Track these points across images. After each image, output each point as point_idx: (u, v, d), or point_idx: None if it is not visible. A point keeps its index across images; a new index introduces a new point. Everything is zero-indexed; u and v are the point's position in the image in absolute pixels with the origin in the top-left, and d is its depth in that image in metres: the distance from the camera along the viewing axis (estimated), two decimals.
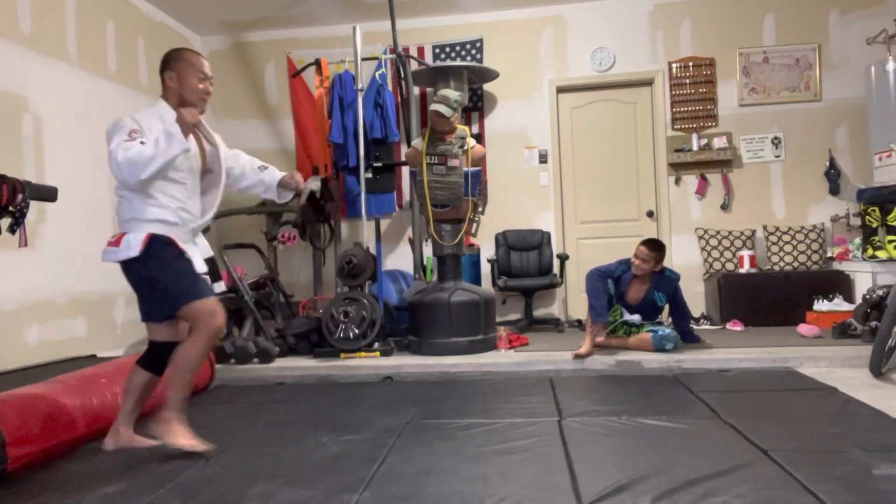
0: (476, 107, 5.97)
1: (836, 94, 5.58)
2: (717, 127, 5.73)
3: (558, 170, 5.92)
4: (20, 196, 2.57)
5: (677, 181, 5.77)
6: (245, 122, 6.29)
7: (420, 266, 5.39)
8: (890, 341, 3.37)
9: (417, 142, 4.50)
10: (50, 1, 4.42)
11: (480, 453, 2.34)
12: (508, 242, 5.69)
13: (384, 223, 5.90)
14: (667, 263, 4.35)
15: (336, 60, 5.72)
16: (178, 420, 2.42)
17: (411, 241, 5.49)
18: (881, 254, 4.75)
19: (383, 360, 4.18)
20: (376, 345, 4.30)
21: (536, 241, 5.70)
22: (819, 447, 2.25)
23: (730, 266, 5.52)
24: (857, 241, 5.11)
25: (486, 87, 5.93)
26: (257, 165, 2.77)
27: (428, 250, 5.33)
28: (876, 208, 4.88)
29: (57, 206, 3.64)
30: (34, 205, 3.02)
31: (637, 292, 4.24)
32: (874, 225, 4.91)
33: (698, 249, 5.68)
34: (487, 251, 5.72)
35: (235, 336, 4.67)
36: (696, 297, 5.46)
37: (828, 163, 5.55)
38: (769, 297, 5.11)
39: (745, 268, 5.39)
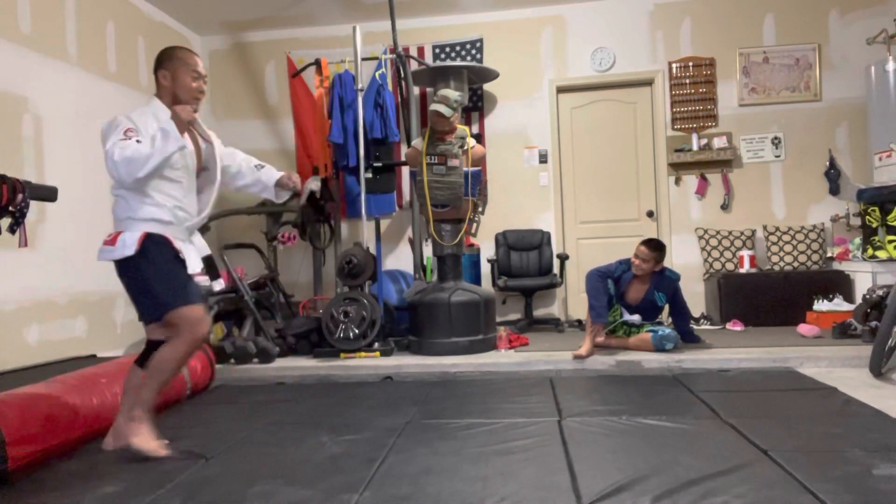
0: (476, 107, 5.97)
1: (836, 94, 5.58)
2: (717, 127, 5.73)
3: (558, 170, 5.92)
4: (20, 196, 2.57)
5: (677, 181, 5.77)
6: (245, 122, 6.29)
7: (420, 266, 5.39)
8: (890, 341, 3.37)
9: (417, 142, 4.50)
10: (50, 1, 4.42)
11: (480, 453, 2.34)
12: (508, 242, 5.69)
13: (384, 223, 5.90)
14: (667, 263, 4.35)
15: (336, 60, 5.72)
16: (144, 421, 2.41)
17: (411, 241, 5.49)
18: (881, 254, 4.75)
19: (383, 360, 4.18)
20: (376, 345, 4.30)
21: (536, 241, 5.70)
22: (819, 447, 2.25)
23: (730, 266, 5.51)
24: (857, 241, 5.11)
25: (486, 87, 5.93)
26: (254, 164, 2.77)
27: (428, 250, 5.33)
28: (876, 208, 4.88)
29: (57, 206, 3.64)
30: (34, 205, 3.02)
31: (637, 292, 4.24)
32: (874, 225, 4.91)
33: (698, 249, 5.68)
34: (487, 251, 5.72)
35: (235, 336, 4.67)
36: (696, 297, 5.46)
37: (828, 163, 5.55)
38: (769, 297, 5.11)
39: (745, 268, 5.39)
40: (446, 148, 4.35)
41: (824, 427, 2.48)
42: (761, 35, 5.68)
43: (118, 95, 5.03)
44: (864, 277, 4.82)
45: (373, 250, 4.67)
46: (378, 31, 5.87)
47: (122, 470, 2.29)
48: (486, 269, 5.59)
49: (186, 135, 2.44)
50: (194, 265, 2.50)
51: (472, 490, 1.99)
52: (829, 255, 5.40)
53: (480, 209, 4.56)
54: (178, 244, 2.44)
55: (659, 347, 4.03)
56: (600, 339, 4.19)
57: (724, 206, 5.70)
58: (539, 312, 5.77)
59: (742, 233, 5.56)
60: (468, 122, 5.93)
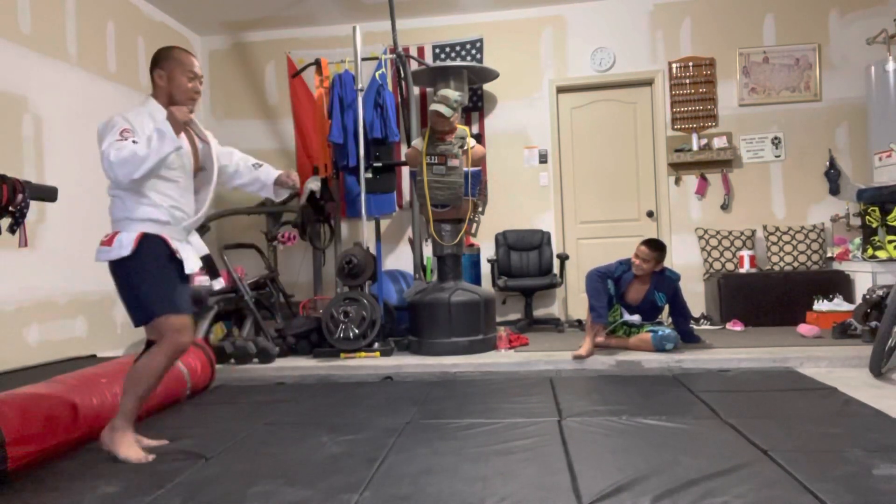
0: (476, 107, 5.97)
1: (836, 94, 5.58)
2: (717, 127, 5.73)
3: (558, 170, 5.92)
4: (20, 196, 2.57)
5: (677, 181, 5.77)
6: (245, 122, 6.29)
7: (420, 266, 5.39)
8: (890, 341, 3.37)
9: (417, 142, 4.50)
10: (50, 1, 4.43)
11: (480, 453, 2.34)
12: (508, 242, 5.69)
13: (384, 223, 5.90)
14: (667, 263, 4.35)
15: (336, 60, 5.72)
16: (126, 431, 2.40)
17: (411, 241, 5.49)
18: (881, 254, 4.75)
19: (383, 360, 4.18)
20: (376, 345, 4.30)
21: (536, 241, 5.70)
22: (819, 447, 2.25)
23: (730, 266, 5.52)
24: (857, 241, 5.11)
25: (486, 87, 5.93)
26: (251, 163, 2.76)
27: (428, 250, 5.33)
28: (876, 208, 4.88)
29: (57, 206, 3.64)
30: (34, 205, 3.02)
31: (637, 292, 4.24)
32: (874, 225, 4.91)
33: (698, 249, 5.68)
34: (487, 251, 5.72)
35: (235, 336, 4.67)
36: (696, 297, 5.46)
37: (828, 163, 5.55)
38: (769, 297, 5.11)
39: (745, 268, 5.39)
40: (446, 148, 4.35)
41: (824, 427, 2.48)
42: (761, 35, 5.69)
43: (118, 95, 5.03)
44: (864, 277, 4.82)
45: (373, 250, 4.67)
46: (378, 31, 5.87)
47: (122, 470, 2.29)
48: (486, 269, 5.59)
49: (183, 135, 2.43)
50: (192, 265, 2.50)
51: (472, 490, 1.99)
52: (829, 255, 5.40)
53: (480, 209, 4.56)
54: (174, 244, 2.43)
55: (659, 347, 4.03)
56: (600, 340, 4.19)
57: (724, 206, 5.70)
58: (539, 312, 5.77)
59: (742, 233, 5.56)
60: (468, 122, 5.93)
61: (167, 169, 2.40)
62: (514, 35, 5.94)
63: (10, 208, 2.55)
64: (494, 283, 5.39)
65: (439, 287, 4.45)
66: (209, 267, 2.62)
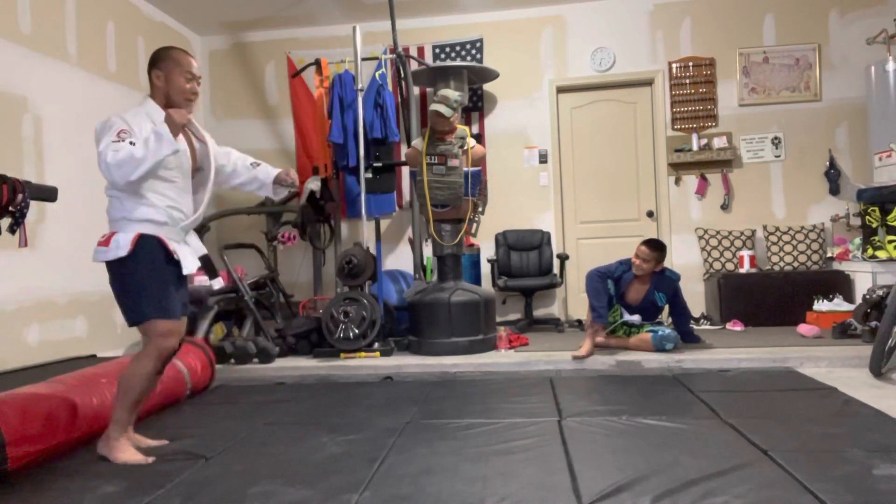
0: (476, 107, 5.97)
1: (836, 94, 5.58)
2: (717, 127, 5.73)
3: (558, 170, 5.92)
4: (20, 196, 2.57)
5: (677, 181, 5.77)
6: (245, 122, 6.29)
7: (420, 266, 5.39)
8: (890, 341, 3.37)
9: (417, 142, 4.50)
10: (50, 1, 4.43)
11: (480, 453, 2.34)
12: (508, 242, 5.69)
13: (384, 223, 5.90)
14: (667, 263, 4.35)
15: (336, 60, 5.72)
16: (119, 439, 2.39)
17: (411, 241, 5.49)
18: (881, 254, 4.75)
19: (383, 360, 4.18)
20: (376, 345, 4.30)
21: (536, 241, 5.70)
22: (819, 447, 2.25)
23: (730, 266, 5.52)
24: (857, 241, 5.11)
25: (486, 87, 5.93)
26: (249, 162, 2.75)
27: (428, 250, 5.33)
28: (876, 208, 4.88)
29: (57, 206, 3.64)
30: (34, 205, 3.02)
31: (637, 292, 4.24)
32: (874, 225, 4.91)
33: (698, 249, 5.68)
34: (487, 251, 5.72)
35: (235, 336, 4.67)
36: (696, 297, 5.46)
37: (828, 163, 5.56)
38: (769, 297, 5.11)
39: (745, 268, 5.39)
40: (446, 148, 4.35)
41: (824, 427, 2.48)
42: (761, 35, 5.69)
43: (118, 95, 5.03)
44: (864, 277, 4.82)
45: (373, 250, 4.67)
46: (378, 31, 5.87)
47: (122, 470, 2.29)
48: (486, 269, 5.59)
49: (181, 136, 2.42)
50: (190, 265, 2.49)
51: (472, 490, 1.99)
52: (829, 255, 5.40)
53: (480, 209, 4.56)
54: (172, 245, 2.42)
55: (659, 347, 4.03)
56: (600, 340, 4.19)
57: (724, 206, 5.70)
58: (539, 312, 5.77)
59: (742, 233, 5.56)
60: (468, 122, 5.93)
61: (165, 169, 2.39)
62: (514, 35, 5.94)
63: (10, 208, 2.55)
64: (494, 283, 5.39)
65: (439, 287, 4.45)
66: (207, 267, 2.61)
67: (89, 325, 4.63)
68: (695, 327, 4.55)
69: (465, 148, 4.40)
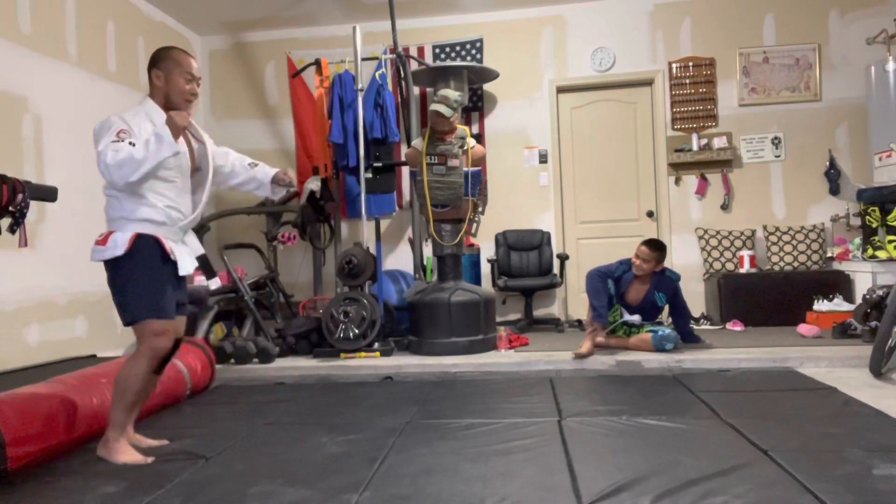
0: (476, 107, 5.97)
1: (836, 94, 5.58)
2: (717, 127, 5.73)
3: (558, 170, 5.92)
4: (20, 196, 2.57)
5: (677, 181, 5.77)
6: (245, 122, 6.29)
7: (420, 266, 5.39)
8: (890, 341, 3.37)
9: (417, 142, 4.50)
10: (50, 1, 4.43)
11: (480, 453, 2.34)
12: (508, 242, 5.69)
13: (384, 223, 5.90)
14: (667, 263, 4.35)
15: (336, 60, 5.72)
16: (118, 440, 2.39)
17: (411, 241, 5.49)
18: (881, 254, 4.75)
19: (383, 360, 4.18)
20: (376, 345, 4.30)
21: (536, 241, 5.70)
22: (819, 447, 2.25)
23: (730, 266, 5.52)
24: (857, 241, 5.11)
25: (486, 87, 5.93)
26: (247, 162, 2.75)
27: (428, 250, 5.33)
28: (876, 208, 4.88)
29: (57, 206, 3.64)
30: (34, 205, 3.02)
31: (637, 292, 4.24)
32: (874, 225, 4.91)
33: (698, 249, 5.68)
34: (487, 251, 5.72)
35: (235, 336, 4.67)
36: (696, 297, 5.46)
37: (828, 163, 5.56)
38: (769, 297, 5.11)
39: (745, 268, 5.39)
40: (446, 148, 4.35)
41: (824, 427, 2.48)
42: (761, 35, 5.69)
43: (118, 95, 5.03)
44: (864, 277, 4.82)
45: (373, 250, 4.67)
46: (378, 31, 5.87)
47: (122, 470, 2.29)
48: (486, 269, 5.59)
49: (180, 137, 2.43)
50: (188, 265, 2.49)
51: (472, 490, 1.99)
52: (829, 255, 5.40)
53: (480, 209, 4.56)
54: (169, 245, 2.42)
55: (659, 347, 4.03)
56: (600, 339, 4.19)
57: (724, 206, 5.70)
58: (539, 312, 5.77)
59: (742, 233, 5.56)
60: (468, 122, 5.93)
61: (164, 169, 2.39)
62: (514, 35, 5.94)
63: (10, 208, 2.55)
64: (494, 283, 5.39)
65: (439, 287, 4.45)
66: (205, 267, 2.61)
67: (89, 325, 4.63)
68: (695, 327, 4.55)
69: (465, 148, 4.40)
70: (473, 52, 5.92)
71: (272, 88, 6.28)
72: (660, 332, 4.07)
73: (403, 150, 5.73)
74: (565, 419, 2.74)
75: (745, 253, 5.41)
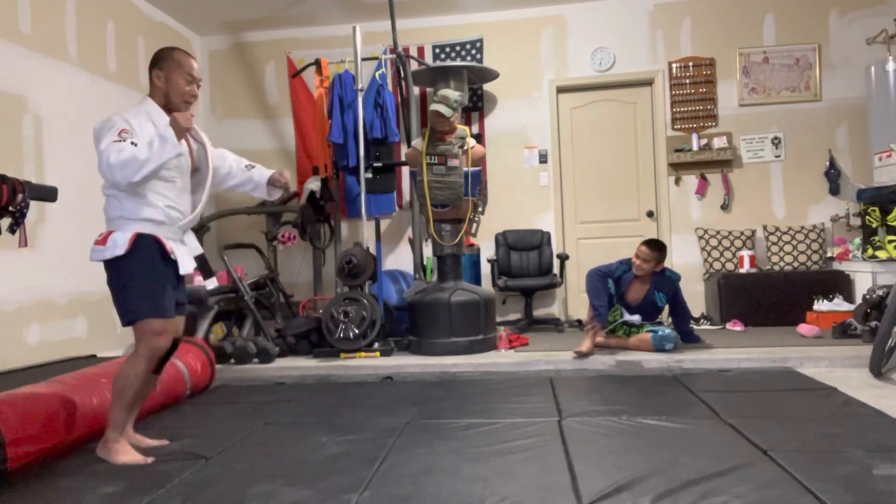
0: (476, 107, 5.97)
1: (836, 94, 5.58)
2: (717, 127, 5.73)
3: (558, 170, 5.92)
4: (20, 196, 2.57)
5: (677, 181, 5.77)
6: (245, 122, 6.29)
7: (420, 266, 5.39)
8: (890, 341, 3.37)
9: (417, 142, 4.50)
10: (50, 1, 4.43)
11: (480, 453, 2.34)
12: (508, 242, 5.69)
13: (384, 223, 5.90)
14: (667, 263, 4.35)
15: (336, 60, 5.72)
16: (118, 440, 2.39)
17: (411, 241, 5.49)
18: (881, 254, 4.75)
19: (383, 360, 4.18)
20: (376, 345, 4.30)
21: (536, 241, 5.70)
22: (819, 447, 2.25)
23: (730, 266, 5.52)
24: (857, 241, 5.11)
25: (486, 87, 5.93)
26: (244, 164, 2.75)
27: (428, 250, 5.33)
28: (876, 208, 4.88)
29: (57, 206, 3.64)
30: (34, 205, 3.02)
31: (637, 292, 4.24)
32: (874, 225, 4.91)
33: (698, 249, 5.68)
34: (487, 251, 5.72)
35: (235, 336, 4.67)
36: (696, 297, 5.46)
37: (828, 163, 5.56)
38: (769, 297, 5.11)
39: (745, 268, 5.39)
40: (446, 148, 4.35)
41: (824, 427, 2.48)
42: (761, 35, 5.69)
43: (118, 95, 5.03)
44: (864, 277, 4.82)
45: (373, 250, 4.67)
46: (378, 31, 5.87)
47: (122, 470, 2.29)
48: (486, 269, 5.59)
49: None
50: (187, 265, 2.49)
51: (472, 490, 1.99)
52: (829, 255, 5.40)
53: (480, 209, 4.56)
54: (169, 245, 2.42)
55: (659, 347, 4.03)
56: (600, 339, 4.19)
57: (724, 206, 5.70)
58: (539, 312, 5.77)
59: (742, 233, 5.56)
60: (468, 122, 5.93)
61: (165, 169, 2.39)
62: (514, 35, 5.94)
63: (10, 208, 2.55)
64: (494, 283, 5.39)
65: (439, 287, 4.45)
66: (203, 267, 2.61)
67: (89, 325, 4.63)
68: (695, 327, 4.56)
69: (465, 148, 4.40)
70: (473, 52, 5.92)
71: (272, 88, 6.28)
72: (660, 332, 4.07)
73: (403, 150, 5.73)
74: (565, 419, 2.74)
75: (745, 253, 5.41)
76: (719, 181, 5.71)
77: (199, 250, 2.61)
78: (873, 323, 4.05)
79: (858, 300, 4.57)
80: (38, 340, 4.17)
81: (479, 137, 5.92)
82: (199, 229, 5.16)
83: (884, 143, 5.05)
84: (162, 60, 2.47)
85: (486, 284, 5.49)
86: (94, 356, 4.38)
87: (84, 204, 4.44)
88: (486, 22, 5.96)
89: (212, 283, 2.73)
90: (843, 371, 3.63)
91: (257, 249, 5.31)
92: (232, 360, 4.25)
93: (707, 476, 2.00)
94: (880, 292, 4.13)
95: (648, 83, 5.85)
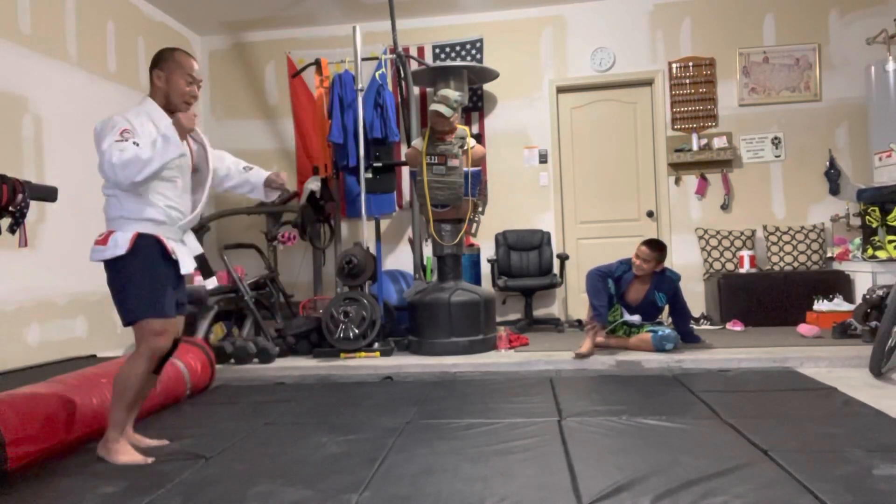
0: (476, 107, 5.97)
1: (836, 94, 5.58)
2: (717, 127, 5.73)
3: (558, 170, 5.92)
4: (20, 196, 2.57)
5: (677, 181, 5.77)
6: (245, 122, 6.28)
7: (420, 266, 5.39)
8: (890, 341, 3.37)
9: (417, 142, 4.50)
10: (50, 1, 4.43)
11: (480, 453, 2.34)
12: (508, 242, 5.69)
13: (384, 223, 5.90)
14: (667, 263, 4.35)
15: (336, 60, 5.72)
16: (118, 440, 2.39)
17: (411, 241, 5.49)
18: (881, 254, 4.75)
19: (383, 360, 4.18)
20: (376, 345, 4.30)
21: (536, 241, 5.70)
22: (819, 447, 2.25)
23: (730, 266, 5.52)
24: (857, 241, 5.11)
25: (486, 87, 5.93)
26: (242, 166, 2.76)
27: (428, 250, 5.33)
28: (876, 208, 4.88)
29: (57, 206, 3.64)
30: (34, 205, 3.02)
31: (637, 292, 4.24)
32: (874, 225, 4.91)
33: (698, 249, 5.68)
34: (487, 251, 5.72)
35: (235, 336, 4.67)
36: (696, 297, 5.46)
37: (828, 163, 5.56)
38: (769, 297, 5.11)
39: (745, 268, 5.39)
40: (446, 148, 4.35)
41: (824, 427, 2.48)
42: (761, 35, 5.69)
43: (118, 95, 5.03)
44: (864, 277, 4.82)
45: (373, 250, 4.67)
46: (378, 31, 5.87)
47: (122, 470, 2.29)
48: (486, 269, 5.59)
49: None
50: (187, 265, 2.50)
51: (472, 490, 1.99)
52: (829, 255, 5.40)
53: (480, 209, 4.56)
54: (170, 245, 2.43)
55: (659, 347, 4.03)
56: (600, 339, 4.19)
57: (724, 206, 5.70)
58: (539, 312, 5.77)
59: (742, 233, 5.56)
60: (468, 122, 5.93)
61: (166, 169, 2.39)
62: (514, 35, 5.94)
63: (10, 208, 2.55)
64: (494, 283, 5.39)
65: (439, 287, 4.45)
66: (203, 266, 2.62)
67: (89, 325, 4.63)
68: (695, 327, 4.56)
69: (465, 148, 4.40)
70: (473, 52, 5.92)
71: (272, 88, 6.28)
72: (660, 332, 4.07)
73: (403, 150, 5.73)
74: (565, 419, 2.74)
75: (745, 253, 5.41)
76: (719, 181, 5.71)
77: (199, 250, 2.62)
78: (873, 323, 4.05)
79: (858, 300, 4.57)
80: (38, 340, 4.17)
81: (479, 137, 5.92)
82: (199, 229, 5.16)
83: (884, 143, 5.05)
84: (163, 61, 2.48)
85: (486, 284, 5.49)
86: (94, 356, 4.38)
87: (84, 204, 4.44)
88: (486, 22, 5.96)
89: (212, 283, 2.73)
90: (843, 371, 3.63)
91: (257, 249, 5.31)
92: (232, 360, 4.25)
93: (707, 476, 2.00)
94: (880, 292, 4.13)
95: (648, 83, 5.85)
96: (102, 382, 2.76)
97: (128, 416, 2.44)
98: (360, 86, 4.89)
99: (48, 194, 2.79)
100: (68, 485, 2.18)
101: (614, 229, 5.88)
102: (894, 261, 4.70)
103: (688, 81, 5.74)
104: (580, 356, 3.95)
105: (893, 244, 4.73)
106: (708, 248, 5.60)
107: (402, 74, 5.44)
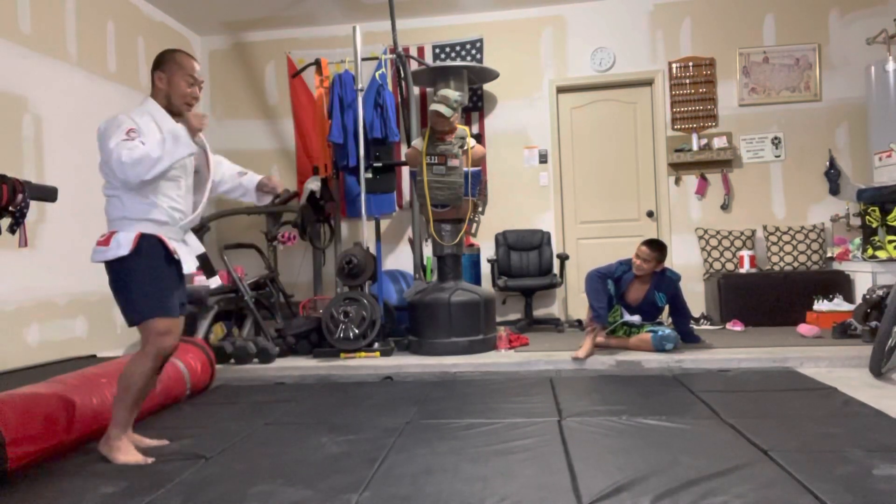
0: (476, 107, 5.97)
1: (836, 94, 5.58)
2: (717, 127, 5.73)
3: (558, 170, 5.92)
4: (20, 196, 2.57)
5: (677, 181, 5.77)
6: (245, 122, 6.28)
7: (420, 266, 5.39)
8: (890, 341, 3.37)
9: (417, 142, 4.50)
10: (50, 1, 4.43)
11: (480, 453, 2.34)
12: (508, 242, 5.69)
13: (384, 223, 5.90)
14: (667, 263, 4.34)
15: (336, 60, 5.72)
16: (120, 439, 2.39)
17: (411, 241, 5.49)
18: (881, 254, 4.75)
19: (383, 360, 4.18)
20: (376, 345, 4.30)
21: (536, 241, 5.70)
22: (819, 447, 2.25)
23: (730, 266, 5.51)
24: (857, 241, 5.11)
25: (486, 87, 5.93)
26: (237, 171, 2.77)
27: (428, 250, 5.33)
28: (876, 208, 4.88)
29: (57, 206, 3.64)
30: (34, 205, 3.02)
31: (637, 292, 4.24)
32: (874, 225, 4.91)
33: (698, 249, 5.68)
34: (487, 251, 5.72)
35: (235, 336, 4.67)
36: (696, 297, 5.46)
37: (828, 163, 5.56)
38: (769, 297, 5.11)
39: (745, 268, 5.39)
40: (446, 148, 4.35)
41: (824, 427, 2.48)
42: (761, 35, 5.69)
43: (118, 95, 5.03)
44: (864, 277, 4.82)
45: (373, 250, 4.67)
46: (378, 31, 5.87)
47: (122, 470, 2.29)
48: (486, 269, 5.59)
49: None
50: (190, 265, 2.50)
51: (472, 490, 1.99)
52: (829, 255, 5.40)
53: (480, 209, 4.56)
54: (172, 245, 2.43)
55: (659, 348, 4.03)
56: (600, 340, 4.19)
57: (724, 206, 5.70)
58: (539, 312, 5.77)
59: (742, 233, 5.56)
60: (468, 122, 5.93)
61: (171, 169, 2.40)
62: (514, 35, 5.94)
63: (10, 208, 2.55)
64: (494, 283, 5.39)
65: (439, 287, 4.45)
66: (205, 266, 2.62)
67: (89, 325, 4.63)
68: (695, 327, 4.55)
69: (465, 148, 4.40)
70: (473, 52, 5.92)
71: (272, 88, 6.28)
72: (660, 332, 4.07)
73: (403, 150, 5.73)
74: (565, 419, 2.74)
75: (745, 253, 5.41)
76: (719, 181, 5.71)
77: (200, 249, 2.63)
78: (873, 323, 4.05)
79: (858, 300, 4.57)
80: (38, 340, 4.17)
81: (479, 137, 5.92)
82: (200, 229, 5.15)
83: (884, 143, 5.05)
84: (164, 62, 2.48)
85: (486, 284, 5.49)
86: (94, 356, 4.38)
87: (84, 204, 4.44)
88: (486, 22, 5.96)
89: (214, 282, 2.74)
90: (843, 371, 3.63)
91: (257, 249, 5.31)
92: (232, 360, 4.25)
93: (707, 476, 2.00)
94: (880, 292, 4.13)
95: (648, 83, 5.85)
96: (102, 382, 2.77)
97: (131, 414, 2.44)
98: (360, 86, 4.89)
99: (48, 194, 2.79)
100: (68, 485, 2.18)
101: (614, 229, 5.88)
102: (894, 261, 4.70)
103: (688, 81, 5.74)
104: (578, 359, 3.95)
105: (893, 244, 4.73)
106: (708, 248, 5.60)
107: (402, 74, 5.44)
